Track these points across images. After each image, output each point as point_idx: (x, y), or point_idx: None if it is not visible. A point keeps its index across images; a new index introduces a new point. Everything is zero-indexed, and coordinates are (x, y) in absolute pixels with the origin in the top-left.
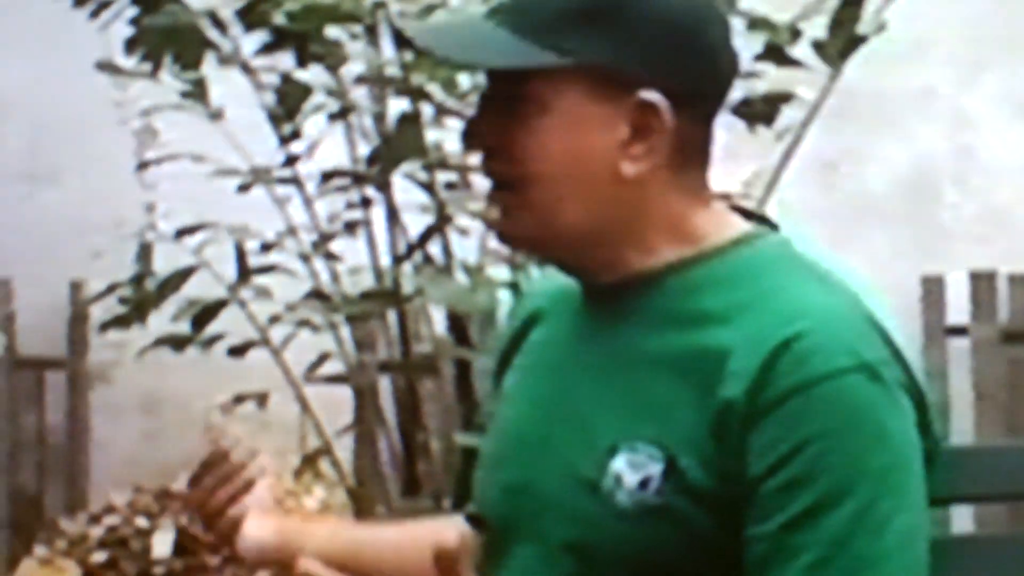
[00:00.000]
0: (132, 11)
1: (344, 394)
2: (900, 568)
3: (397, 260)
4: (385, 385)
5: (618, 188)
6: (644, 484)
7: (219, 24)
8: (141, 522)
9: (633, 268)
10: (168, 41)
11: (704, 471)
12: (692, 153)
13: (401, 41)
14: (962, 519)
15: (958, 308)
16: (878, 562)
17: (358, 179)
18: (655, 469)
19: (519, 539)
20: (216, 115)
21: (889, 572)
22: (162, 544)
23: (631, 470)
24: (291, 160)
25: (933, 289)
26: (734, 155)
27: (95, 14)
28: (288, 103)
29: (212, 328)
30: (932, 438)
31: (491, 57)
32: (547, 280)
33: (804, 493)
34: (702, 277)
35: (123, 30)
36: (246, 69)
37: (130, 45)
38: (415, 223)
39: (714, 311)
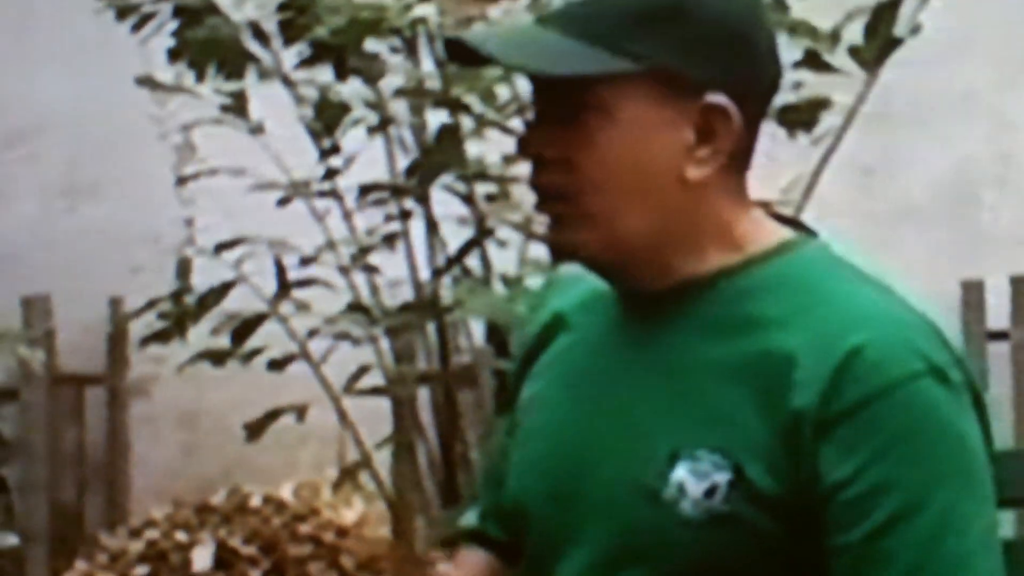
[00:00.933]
0: (173, 24)
1: (383, 406)
2: (987, 567)
3: (436, 272)
4: (424, 397)
5: (679, 193)
6: (710, 493)
7: (261, 35)
8: (181, 536)
9: (683, 274)
10: (209, 53)
11: (773, 479)
12: (744, 157)
13: (453, 54)
14: (1003, 524)
15: (998, 313)
16: (968, 561)
17: (397, 192)
18: (721, 478)
19: (569, 549)
20: (256, 129)
21: (978, 571)
22: (202, 558)
23: (695, 479)
24: (330, 173)
25: (973, 293)
26: (772, 160)
27: (137, 27)
28: (327, 117)
29: (251, 342)
30: (991, 440)
31: (566, 64)
32: (568, 285)
33: (888, 499)
34: (753, 282)
35: (163, 45)
36: (286, 82)
37: (173, 56)
38: (454, 235)
39: (770, 316)
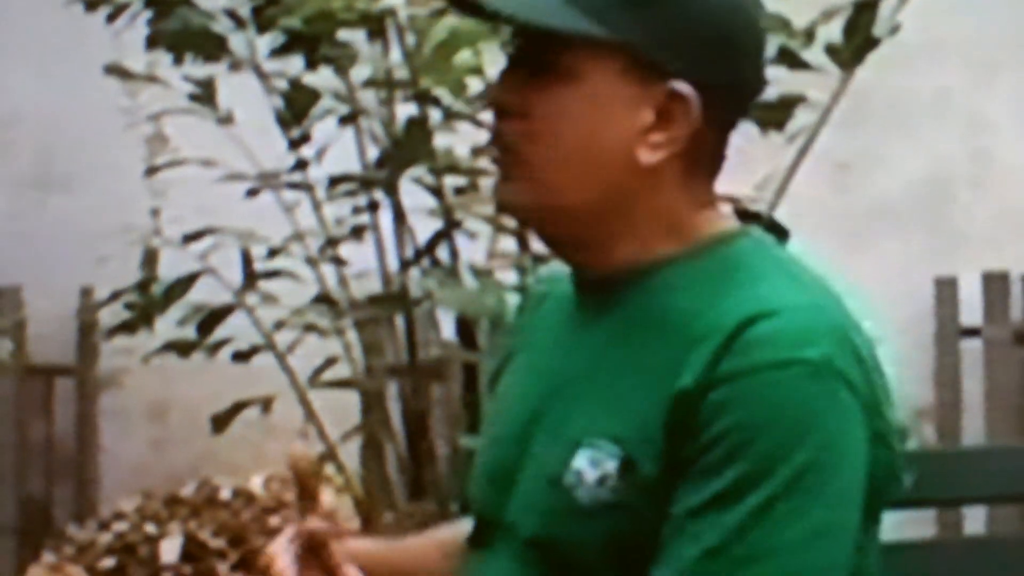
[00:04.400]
0: (145, 15)
1: (352, 399)
2: (798, 566)
3: (405, 264)
4: (392, 390)
5: (627, 174)
6: (602, 481)
7: (237, 20)
8: (150, 528)
9: (623, 261)
10: (183, 43)
11: (655, 464)
12: (705, 157)
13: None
14: (975, 520)
15: (971, 310)
16: (772, 556)
17: (366, 183)
18: (611, 466)
19: (498, 531)
20: (225, 119)
21: (782, 567)
22: (170, 550)
23: (591, 467)
24: (300, 164)
25: (946, 291)
26: (746, 158)
27: (111, 18)
28: (296, 107)
29: (219, 333)
30: (889, 448)
31: (539, 15)
32: (548, 280)
33: (716, 480)
34: (684, 275)
35: (132, 36)
36: (258, 72)
37: (150, 44)
38: (423, 227)
39: (686, 307)
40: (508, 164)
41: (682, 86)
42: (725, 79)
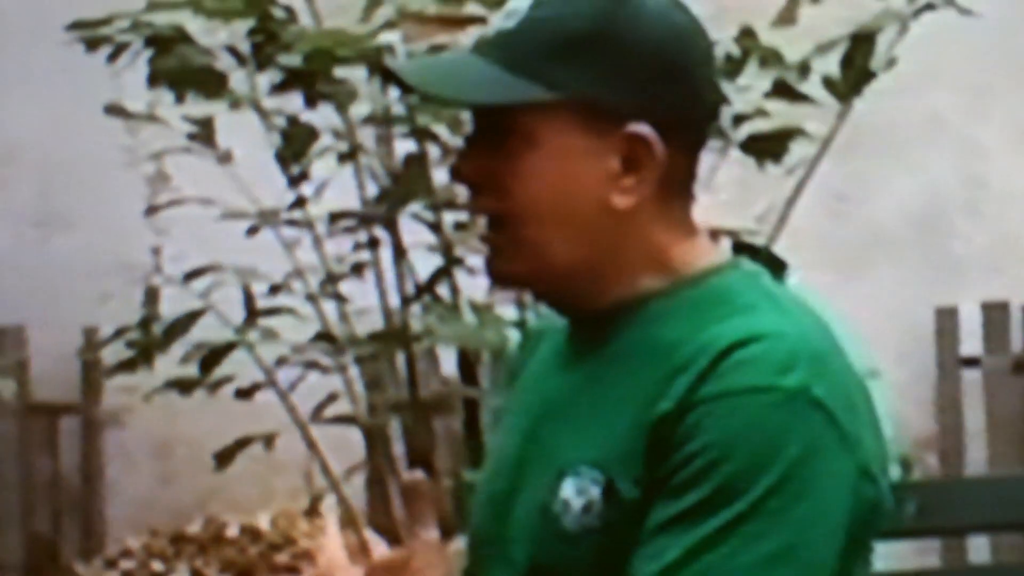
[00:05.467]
0: (146, 53)
1: (356, 435)
2: None
3: (405, 300)
4: (395, 425)
5: (606, 221)
6: (587, 508)
7: (239, 57)
8: (157, 566)
9: (614, 297)
10: (183, 82)
11: (636, 487)
12: (677, 184)
13: (388, 79)
14: (978, 549)
15: (971, 338)
16: None
17: (365, 220)
18: (595, 492)
19: (493, 560)
20: (224, 158)
21: None
22: None
23: (576, 495)
24: (299, 202)
25: (946, 320)
26: (745, 189)
27: (112, 57)
28: (295, 144)
29: (221, 370)
30: (874, 482)
31: (478, 92)
32: (548, 318)
33: (683, 499)
34: (671, 307)
35: (132, 75)
36: (258, 109)
37: (151, 81)
38: (423, 263)
39: (672, 338)
40: (494, 240)
41: (640, 128)
42: (682, 107)
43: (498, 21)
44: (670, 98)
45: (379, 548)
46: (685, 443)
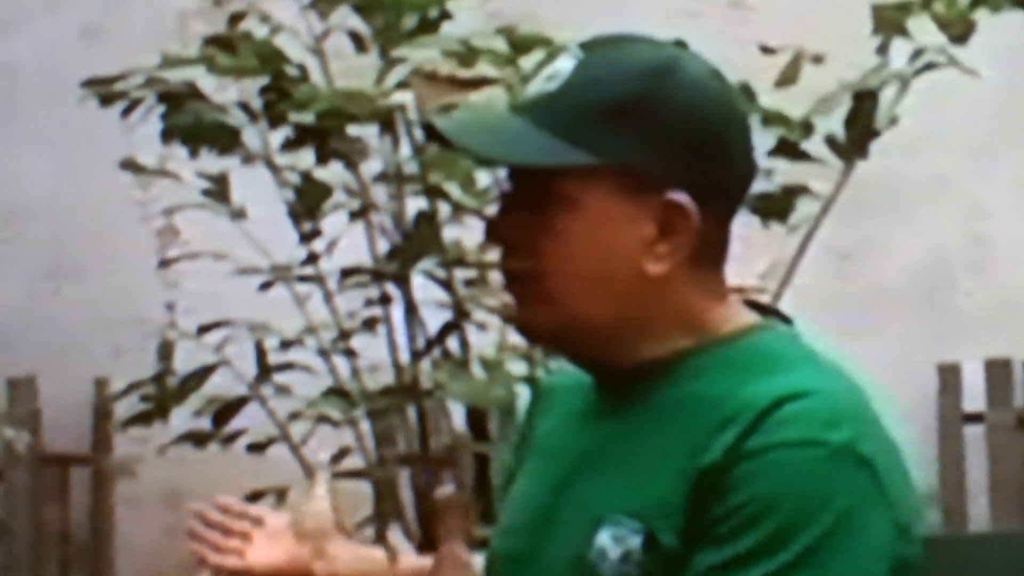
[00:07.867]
0: (159, 109)
1: (365, 488)
2: None
3: (416, 356)
4: (404, 478)
5: (639, 285)
6: (626, 558)
7: (251, 114)
8: None
9: (644, 356)
10: (196, 138)
11: (676, 537)
12: (711, 252)
13: (431, 136)
14: None
15: (974, 395)
16: None
17: (377, 276)
18: (635, 542)
19: None
20: (238, 213)
21: None
22: None
23: (614, 544)
24: (312, 258)
25: (949, 377)
26: (749, 247)
27: (125, 113)
28: (308, 201)
29: (233, 424)
30: (911, 542)
31: (524, 154)
32: (560, 374)
33: (728, 547)
34: (708, 364)
35: (145, 129)
36: (270, 165)
37: (165, 137)
38: (434, 319)
39: (711, 393)
40: (522, 292)
41: (678, 196)
42: (718, 176)
43: (539, 83)
44: (707, 166)
45: None
46: (731, 494)
